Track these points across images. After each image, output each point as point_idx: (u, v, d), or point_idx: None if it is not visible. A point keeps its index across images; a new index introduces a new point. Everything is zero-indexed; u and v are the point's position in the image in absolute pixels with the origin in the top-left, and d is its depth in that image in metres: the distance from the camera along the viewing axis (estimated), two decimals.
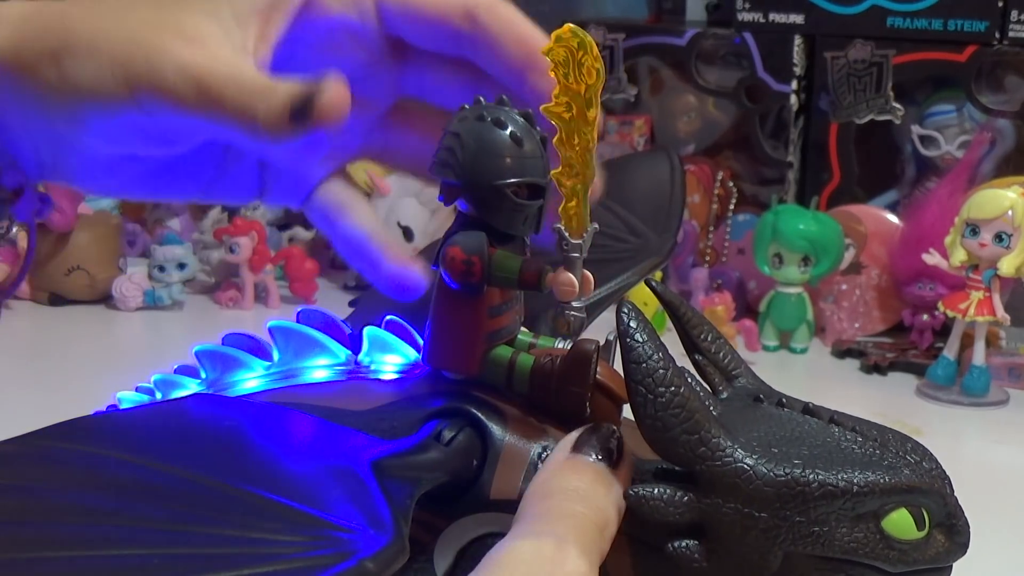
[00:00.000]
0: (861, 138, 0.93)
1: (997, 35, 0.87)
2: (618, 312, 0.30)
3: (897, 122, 0.91)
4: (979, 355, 0.75)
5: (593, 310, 0.38)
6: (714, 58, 0.97)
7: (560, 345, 0.32)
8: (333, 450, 0.30)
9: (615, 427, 0.30)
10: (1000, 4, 0.86)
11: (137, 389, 0.40)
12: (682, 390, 0.29)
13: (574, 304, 0.32)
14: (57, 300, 0.90)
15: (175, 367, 0.40)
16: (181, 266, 0.90)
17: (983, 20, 0.87)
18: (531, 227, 0.32)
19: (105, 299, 0.91)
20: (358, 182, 0.43)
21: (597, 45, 0.30)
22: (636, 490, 0.30)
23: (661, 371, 0.29)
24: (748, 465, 0.29)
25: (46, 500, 0.26)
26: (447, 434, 0.31)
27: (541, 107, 0.31)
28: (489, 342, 0.32)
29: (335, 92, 0.33)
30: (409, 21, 0.38)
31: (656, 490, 0.30)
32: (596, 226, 0.32)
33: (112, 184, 0.40)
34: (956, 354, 0.77)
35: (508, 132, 0.31)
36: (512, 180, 0.31)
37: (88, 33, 0.36)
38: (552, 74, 0.30)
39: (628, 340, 0.30)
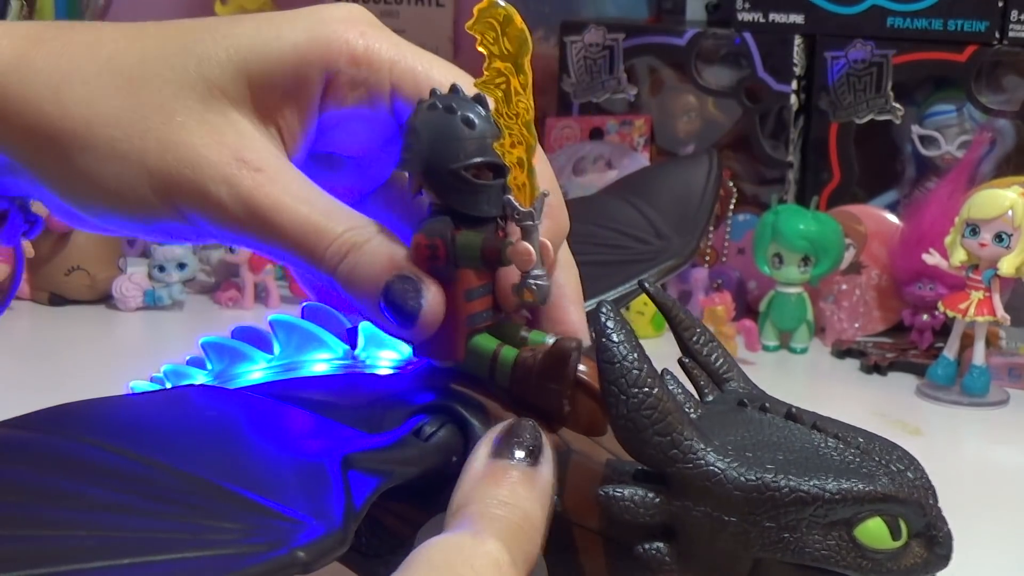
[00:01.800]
0: (861, 138, 0.93)
1: (997, 35, 0.87)
2: (596, 312, 0.30)
3: (897, 122, 0.91)
4: (979, 355, 0.75)
5: None
6: (714, 58, 0.97)
7: (549, 341, 0.33)
8: (313, 443, 0.31)
9: (532, 420, 0.30)
10: (1000, 4, 0.86)
11: (152, 379, 0.41)
12: (655, 391, 0.29)
13: (535, 272, 0.32)
14: (57, 300, 0.90)
15: (187, 358, 0.40)
16: (181, 266, 0.90)
17: (983, 20, 0.87)
18: (496, 206, 0.32)
19: (105, 299, 0.91)
20: None
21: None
22: (607, 490, 0.30)
23: (635, 372, 0.29)
24: (719, 469, 0.29)
25: (5, 481, 0.27)
26: (428, 430, 0.32)
27: (474, 82, 0.31)
28: (471, 325, 0.32)
29: (437, 296, 0.32)
30: None
31: (627, 491, 0.30)
32: (547, 192, 0.32)
33: (110, 230, 0.37)
34: (956, 354, 0.76)
35: (459, 116, 0.31)
36: (467, 162, 0.31)
37: (92, 123, 0.33)
38: (479, 48, 0.30)
39: (603, 340, 0.30)
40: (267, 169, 0.33)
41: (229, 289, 0.92)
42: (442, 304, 0.32)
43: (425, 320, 0.32)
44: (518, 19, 0.30)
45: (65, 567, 0.23)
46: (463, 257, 0.32)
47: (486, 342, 0.33)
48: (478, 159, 0.31)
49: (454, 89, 0.32)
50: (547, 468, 0.30)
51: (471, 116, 0.31)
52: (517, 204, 0.32)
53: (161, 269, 0.89)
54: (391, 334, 0.33)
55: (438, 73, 0.35)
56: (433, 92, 0.32)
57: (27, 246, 0.88)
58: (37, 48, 0.34)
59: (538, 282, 0.32)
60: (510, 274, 0.33)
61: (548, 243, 0.33)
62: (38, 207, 0.39)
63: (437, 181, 0.32)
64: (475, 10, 0.30)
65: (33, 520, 0.25)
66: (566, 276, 0.36)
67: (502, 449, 0.29)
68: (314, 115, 0.35)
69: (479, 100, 0.32)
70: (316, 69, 0.34)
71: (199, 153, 0.33)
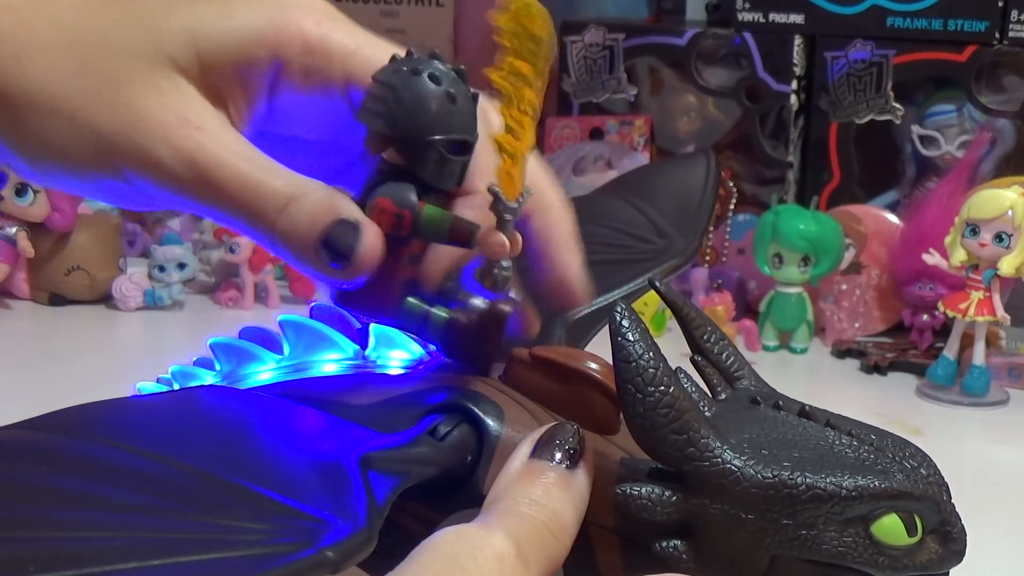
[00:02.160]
0: (861, 138, 0.93)
1: (997, 35, 0.87)
2: (611, 311, 0.30)
3: (897, 122, 0.91)
4: (979, 355, 0.75)
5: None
6: (714, 58, 0.97)
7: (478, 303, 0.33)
8: (328, 443, 0.31)
9: (576, 425, 0.30)
10: (1000, 4, 0.87)
11: (158, 380, 0.41)
12: (671, 390, 0.29)
13: (503, 263, 0.32)
14: (57, 300, 0.90)
15: (194, 359, 0.40)
16: (181, 266, 0.90)
17: (983, 20, 0.87)
18: (455, 181, 0.33)
19: (105, 299, 0.91)
20: None
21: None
22: (624, 489, 0.30)
23: (651, 370, 0.29)
24: (736, 466, 0.29)
25: (27, 483, 0.27)
26: (442, 429, 0.32)
27: (488, 72, 0.31)
28: (406, 289, 0.33)
29: (375, 239, 0.32)
30: None
31: (644, 489, 0.30)
32: (532, 191, 0.32)
33: (60, 187, 0.38)
34: (956, 354, 0.77)
35: (443, 88, 0.31)
36: (446, 136, 0.31)
37: (46, 87, 0.34)
38: (501, 40, 0.30)
39: (619, 339, 0.30)
40: (208, 128, 0.33)
41: (229, 289, 0.92)
42: (379, 247, 0.32)
43: (362, 258, 0.32)
44: (545, 18, 0.30)
45: (94, 568, 0.23)
46: (428, 232, 0.32)
47: (417, 302, 0.33)
48: (455, 135, 0.31)
49: (433, 55, 0.32)
50: (584, 474, 0.30)
51: (453, 91, 0.31)
52: (503, 196, 0.32)
53: (161, 269, 0.89)
54: (326, 281, 0.34)
55: None
56: (410, 54, 0.32)
57: (27, 246, 0.88)
58: (5, 15, 0.34)
59: (503, 272, 0.32)
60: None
61: (519, 237, 0.33)
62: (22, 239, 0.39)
63: (408, 147, 0.32)
64: (509, 2, 0.30)
65: (57, 521, 0.25)
66: (560, 218, 0.36)
67: (542, 450, 0.30)
68: (262, 99, 0.36)
69: (460, 74, 0.32)
70: (266, 54, 0.35)
71: (142, 114, 0.33)
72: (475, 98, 0.32)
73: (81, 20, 0.35)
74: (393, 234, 0.32)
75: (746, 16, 0.93)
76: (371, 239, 0.32)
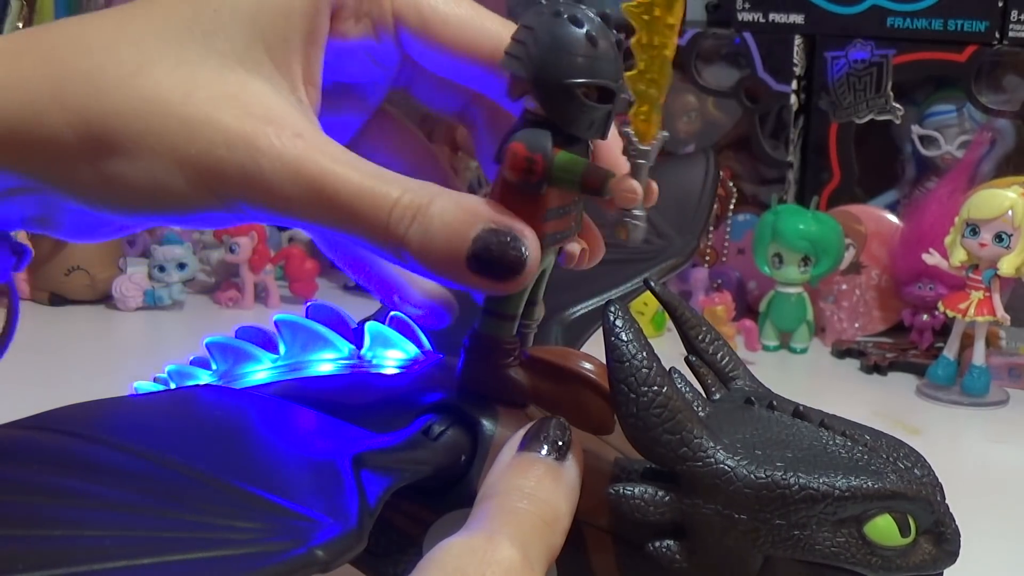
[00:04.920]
0: (861, 138, 0.93)
1: (997, 35, 0.87)
2: (604, 311, 0.30)
3: (897, 122, 0.91)
4: (979, 355, 0.75)
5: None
6: (714, 58, 0.97)
7: None
8: (322, 443, 0.31)
9: (563, 419, 0.30)
10: (1000, 4, 0.86)
11: (155, 379, 0.41)
12: (665, 390, 0.29)
13: (635, 212, 0.30)
14: (57, 300, 0.90)
15: (191, 359, 0.40)
16: (181, 266, 0.90)
17: (983, 20, 0.87)
18: (598, 132, 0.31)
19: (105, 299, 0.91)
20: None
21: None
22: (617, 489, 0.30)
23: (644, 370, 0.29)
24: (729, 467, 0.29)
25: (18, 482, 0.27)
26: (436, 429, 0.32)
27: (623, 5, 0.29)
28: (546, 245, 0.31)
29: (534, 239, 0.30)
30: (433, 56, 0.34)
31: (637, 489, 0.30)
32: (666, 134, 0.30)
33: (96, 236, 0.34)
34: (956, 354, 0.77)
35: (584, 31, 0.29)
36: (583, 80, 0.29)
37: (126, 118, 0.29)
38: None
39: (612, 339, 0.30)
40: (306, 135, 0.30)
41: (229, 289, 0.92)
42: (539, 247, 0.30)
43: (531, 269, 0.30)
44: None
45: (83, 567, 0.23)
46: (561, 179, 0.30)
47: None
48: (595, 79, 0.29)
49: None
50: (573, 465, 0.30)
51: (595, 34, 0.29)
52: (635, 139, 0.30)
53: (161, 269, 0.89)
54: (477, 293, 0.31)
55: (439, 1, 0.33)
56: None
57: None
58: (20, 60, 0.31)
59: (636, 221, 0.30)
60: None
61: (654, 184, 0.31)
62: (22, 237, 0.36)
63: (546, 91, 0.30)
64: None
65: (48, 520, 0.25)
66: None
67: (531, 444, 0.30)
68: (323, 54, 0.33)
69: (605, 19, 0.30)
70: (324, 6, 0.32)
71: (229, 129, 0.29)
72: (619, 44, 0.30)
73: (113, 40, 0.31)
74: (524, 180, 0.30)
75: (746, 16, 0.93)
76: (532, 241, 0.30)
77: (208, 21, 0.31)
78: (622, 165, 0.31)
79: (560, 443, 0.30)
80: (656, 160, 0.31)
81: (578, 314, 0.41)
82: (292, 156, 0.29)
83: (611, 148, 0.33)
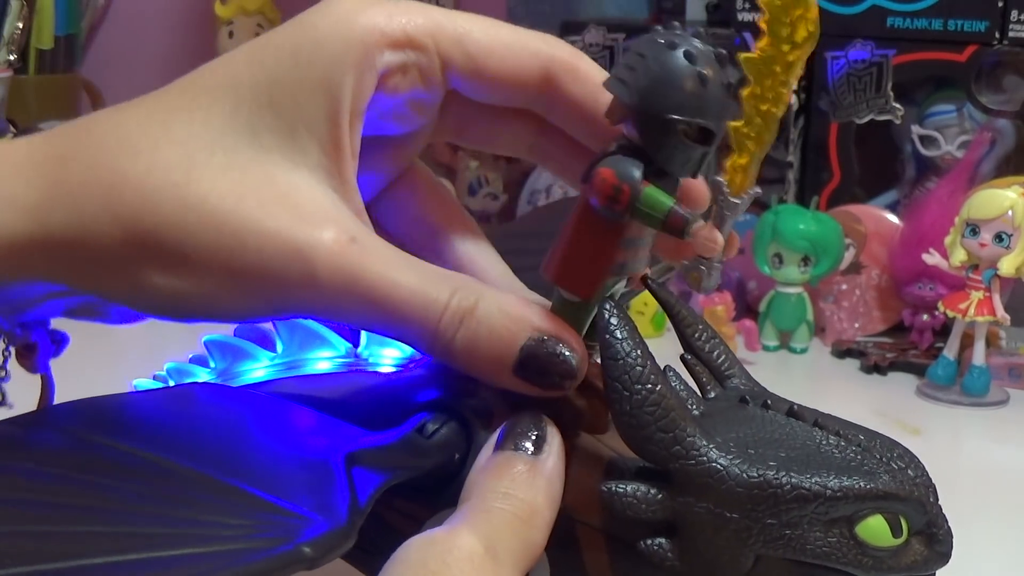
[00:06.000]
0: (861, 138, 0.93)
1: (997, 35, 0.87)
2: (599, 309, 0.30)
3: (897, 122, 0.91)
4: (979, 355, 0.75)
5: None
6: None
7: None
8: (316, 440, 0.31)
9: (539, 413, 0.30)
10: (1000, 4, 0.86)
11: (154, 377, 0.41)
12: (658, 388, 0.29)
13: (713, 261, 0.30)
14: None
15: (190, 356, 0.40)
16: None
17: (983, 20, 0.87)
18: (690, 171, 0.30)
19: None
20: None
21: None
22: (610, 486, 0.30)
23: (638, 368, 0.29)
24: (721, 465, 0.29)
25: (9, 478, 0.27)
26: (430, 427, 0.32)
27: (740, 56, 0.29)
28: (614, 273, 0.31)
29: (582, 348, 0.30)
30: (481, 88, 0.33)
31: (630, 487, 0.30)
32: (759, 190, 0.30)
33: (142, 320, 0.34)
34: (956, 354, 0.76)
35: (696, 69, 0.28)
36: (686, 118, 0.29)
37: (177, 232, 0.29)
38: (762, 24, 0.28)
39: (606, 337, 0.30)
40: (359, 237, 0.29)
41: None
42: (586, 354, 0.30)
43: (579, 377, 0.30)
44: (814, 10, 0.28)
45: (72, 563, 0.23)
46: (644, 214, 0.29)
47: (611, 286, 0.31)
48: (697, 120, 0.29)
49: (697, 34, 0.29)
50: (552, 457, 0.29)
51: (707, 73, 0.28)
52: (727, 190, 0.30)
53: None
54: (523, 394, 0.31)
55: (479, 33, 0.32)
56: (672, 27, 0.29)
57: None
58: (63, 170, 0.30)
59: (711, 271, 0.30)
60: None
61: (736, 237, 0.31)
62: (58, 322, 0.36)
63: (645, 122, 0.29)
64: None
65: (38, 516, 0.26)
66: None
67: (506, 440, 0.30)
68: (364, 113, 0.32)
69: (720, 59, 0.29)
70: (370, 76, 0.31)
71: (282, 237, 0.29)
72: (730, 88, 0.29)
73: (147, 147, 0.30)
74: (607, 207, 0.29)
75: (746, 16, 0.93)
76: (579, 347, 0.30)
77: (249, 111, 0.30)
78: (704, 204, 0.30)
79: (535, 435, 0.30)
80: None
81: None
82: (347, 264, 0.29)
83: (700, 189, 0.33)
